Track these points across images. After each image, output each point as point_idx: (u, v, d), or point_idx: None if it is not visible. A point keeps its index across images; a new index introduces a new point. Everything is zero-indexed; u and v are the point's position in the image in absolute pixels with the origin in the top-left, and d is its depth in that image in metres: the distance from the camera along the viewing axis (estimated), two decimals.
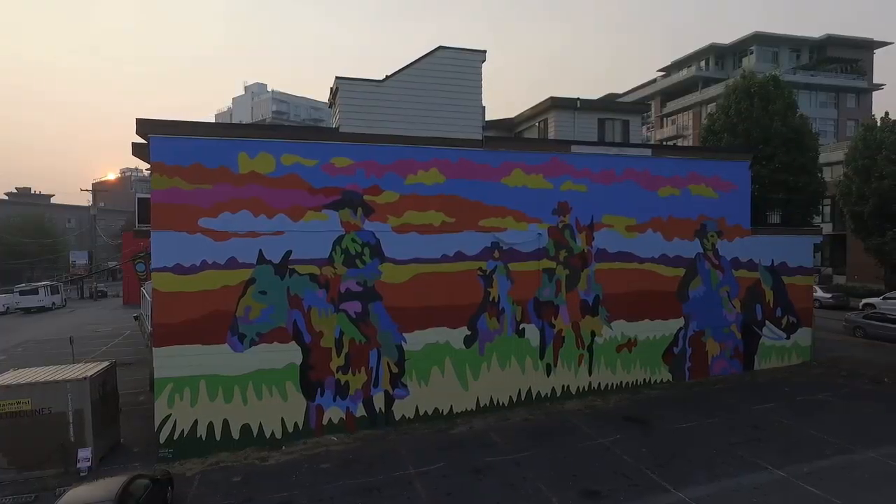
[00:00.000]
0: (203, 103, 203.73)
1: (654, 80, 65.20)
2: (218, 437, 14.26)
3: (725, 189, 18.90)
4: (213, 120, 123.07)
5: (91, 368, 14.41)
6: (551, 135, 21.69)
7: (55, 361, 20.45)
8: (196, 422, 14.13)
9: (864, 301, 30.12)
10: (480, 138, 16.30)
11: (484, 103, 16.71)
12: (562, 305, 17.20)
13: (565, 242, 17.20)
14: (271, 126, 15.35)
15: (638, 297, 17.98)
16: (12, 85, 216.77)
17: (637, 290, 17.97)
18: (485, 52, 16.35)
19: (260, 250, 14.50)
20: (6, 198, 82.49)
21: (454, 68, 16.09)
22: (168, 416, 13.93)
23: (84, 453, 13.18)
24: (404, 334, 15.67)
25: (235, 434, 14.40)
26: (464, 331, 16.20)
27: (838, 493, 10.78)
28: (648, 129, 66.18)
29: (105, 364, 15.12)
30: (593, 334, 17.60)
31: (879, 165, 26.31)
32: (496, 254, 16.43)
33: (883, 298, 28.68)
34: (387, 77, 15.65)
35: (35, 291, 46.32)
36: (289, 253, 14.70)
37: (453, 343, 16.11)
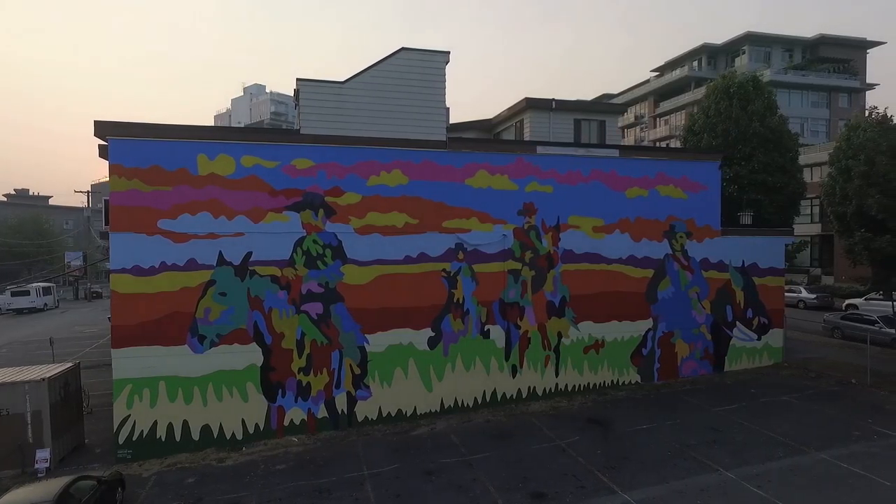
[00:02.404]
0: (204, 104, 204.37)
1: (648, 81, 65.17)
2: (178, 438, 14.32)
3: (694, 190, 18.85)
4: (212, 122, 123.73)
5: (52, 370, 14.46)
6: (527, 135, 21.75)
7: (37, 362, 20.61)
8: (155, 423, 14.19)
9: (847, 302, 29.98)
10: (444, 139, 16.32)
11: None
12: (527, 307, 17.19)
13: (531, 243, 17.19)
14: (231, 128, 15.44)
15: (605, 298, 17.95)
16: (13, 84, 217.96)
17: (605, 291, 17.94)
18: (448, 52, 16.37)
19: (220, 252, 14.55)
20: (4, 199, 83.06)
21: (418, 69, 16.12)
22: (127, 418, 14.00)
23: (42, 454, 13.24)
24: (367, 335, 15.69)
25: (195, 435, 14.45)
26: (427, 332, 16.21)
27: (781, 495, 10.74)
28: (642, 129, 66.18)
29: (68, 365, 15.20)
30: (560, 335, 17.57)
31: (854, 166, 26.16)
32: (460, 255, 16.43)
33: (865, 299, 28.53)
34: (349, 78, 15.67)
35: (27, 292, 46.54)
36: (249, 254, 14.74)
37: (417, 344, 16.12)
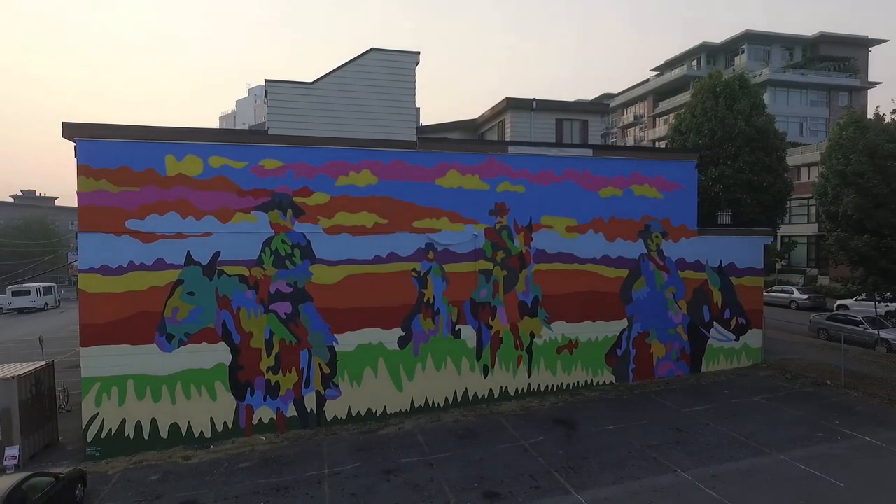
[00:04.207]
0: (209, 106, 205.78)
1: (647, 80, 64.87)
2: (146, 436, 14.45)
3: (670, 189, 18.73)
4: (217, 123, 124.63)
5: (23, 368, 14.65)
6: (508, 135, 21.74)
7: (25, 361, 20.86)
8: (124, 421, 14.33)
9: (838, 302, 29.66)
10: (414, 139, 16.35)
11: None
12: (499, 307, 17.17)
13: (503, 243, 17.17)
14: (199, 129, 15.43)
15: (579, 298, 17.89)
16: (21, 86, 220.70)
17: (578, 291, 17.88)
18: (418, 53, 16.42)
19: (188, 251, 14.66)
20: (11, 200, 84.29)
21: (387, 70, 16.19)
22: (95, 416, 14.15)
23: (11, 451, 13.42)
24: (336, 335, 15.75)
25: (164, 433, 14.58)
26: (397, 332, 16.24)
27: (732, 496, 10.69)
28: (641, 129, 65.87)
29: (40, 364, 15.38)
30: (532, 335, 17.53)
31: (834, 166, 25.89)
32: (431, 255, 16.45)
33: (856, 300, 28.21)
34: (318, 79, 15.76)
35: (27, 292, 47.09)
36: (217, 254, 14.84)
37: (387, 344, 16.16)
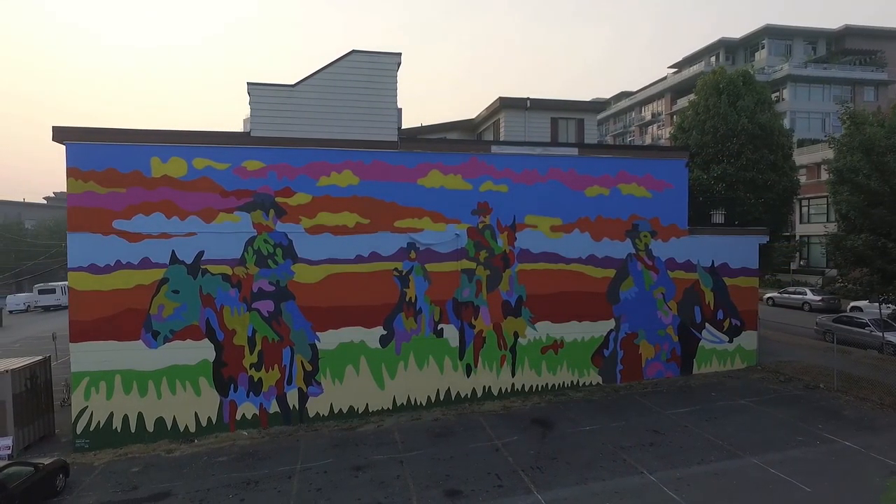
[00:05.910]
0: (233, 109, 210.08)
1: (665, 78, 63.78)
2: (133, 429, 14.95)
3: (659, 188, 18.41)
4: (241, 125, 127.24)
5: (18, 363, 15.31)
6: (502, 135, 21.63)
7: (39, 356, 21.70)
8: (111, 414, 14.85)
9: (852, 304, 28.68)
10: (395, 140, 16.47)
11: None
12: (482, 306, 17.17)
13: (486, 243, 17.16)
14: (183, 131, 15.71)
15: (564, 298, 17.74)
16: (47, 89, 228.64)
17: (563, 291, 17.74)
18: (400, 54, 16.50)
19: (173, 251, 15.10)
20: (45, 202, 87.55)
21: (369, 71, 16.30)
22: (84, 409, 14.71)
23: (4, 442, 14.02)
24: (318, 333, 15.99)
25: (150, 427, 15.05)
26: (379, 330, 16.40)
27: (694, 499, 10.53)
28: (659, 126, 64.78)
29: (37, 358, 16.06)
30: (516, 335, 17.47)
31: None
32: (412, 254, 16.56)
33: (870, 302, 27.20)
34: (300, 81, 16.00)
35: (53, 290, 48.91)
36: (201, 253, 15.24)
37: (369, 342, 16.33)
